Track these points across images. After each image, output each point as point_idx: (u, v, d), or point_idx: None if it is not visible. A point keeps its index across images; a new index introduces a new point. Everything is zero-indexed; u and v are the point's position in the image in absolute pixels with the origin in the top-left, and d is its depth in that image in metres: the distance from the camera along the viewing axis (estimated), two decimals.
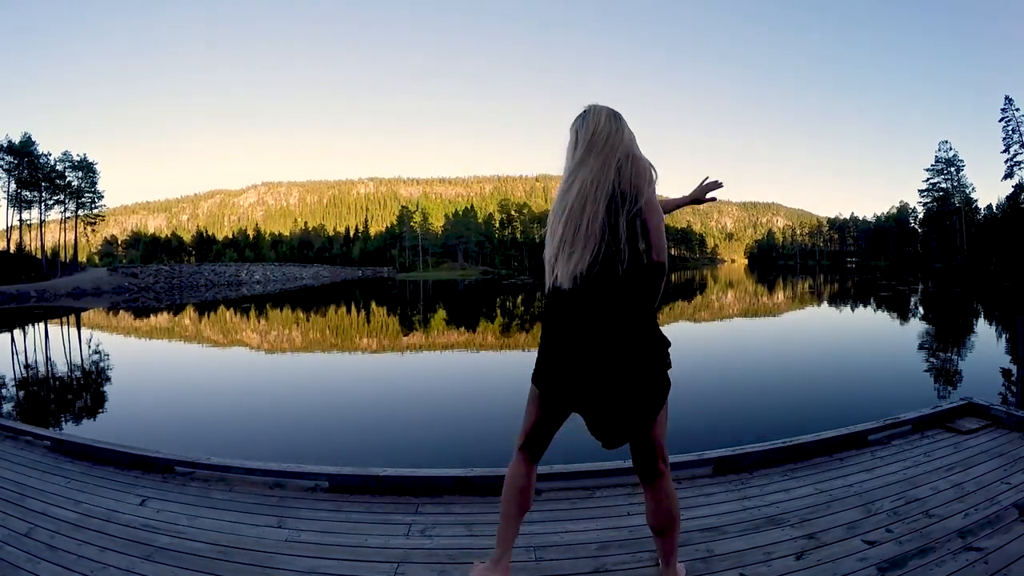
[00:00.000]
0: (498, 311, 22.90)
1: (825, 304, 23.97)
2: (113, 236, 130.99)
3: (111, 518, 2.25)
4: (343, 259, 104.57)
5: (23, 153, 46.50)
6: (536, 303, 24.99)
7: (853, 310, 20.70)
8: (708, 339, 13.18)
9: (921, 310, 19.71)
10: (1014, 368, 8.22)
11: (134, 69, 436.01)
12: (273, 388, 8.50)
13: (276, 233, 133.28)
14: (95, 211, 56.39)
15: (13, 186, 46.75)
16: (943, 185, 66.17)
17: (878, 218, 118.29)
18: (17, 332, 16.30)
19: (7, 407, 6.96)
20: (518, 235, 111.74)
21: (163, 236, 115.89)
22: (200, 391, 8.11)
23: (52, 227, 55.00)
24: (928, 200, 68.33)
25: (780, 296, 29.85)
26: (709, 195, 2.00)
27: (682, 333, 13.63)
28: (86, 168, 53.59)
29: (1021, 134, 50.25)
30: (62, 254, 54.11)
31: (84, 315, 22.43)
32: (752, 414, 6.07)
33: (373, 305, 27.83)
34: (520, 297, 30.94)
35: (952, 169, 65.14)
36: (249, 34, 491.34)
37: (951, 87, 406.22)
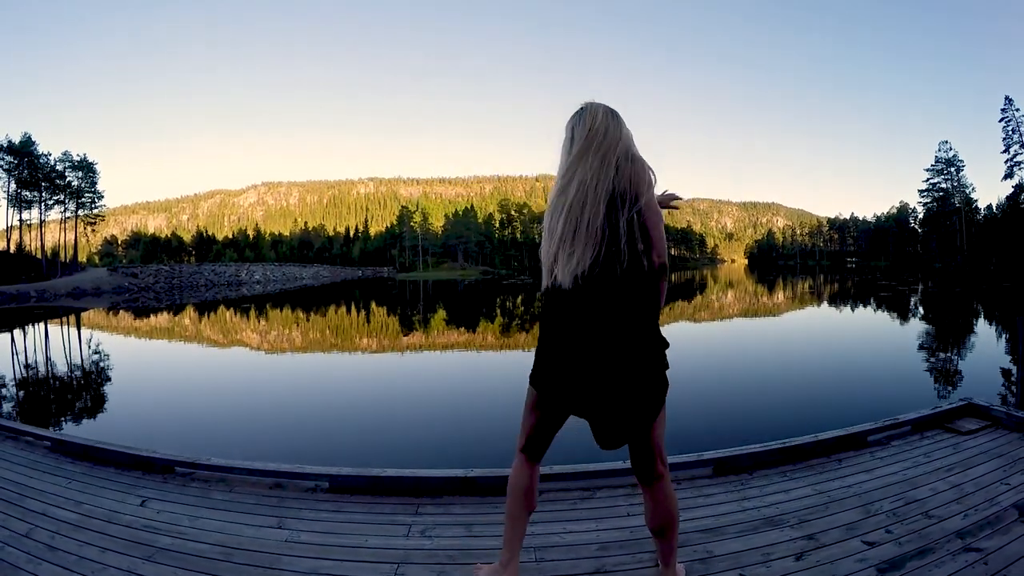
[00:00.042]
0: (498, 311, 22.91)
1: (825, 304, 23.96)
2: (113, 236, 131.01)
3: (112, 519, 2.25)
4: (343, 259, 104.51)
5: (23, 153, 46.51)
6: (536, 303, 24.98)
7: (853, 310, 20.69)
8: (708, 339, 13.18)
9: (921, 310, 19.70)
10: (1014, 368, 8.22)
11: (134, 69, 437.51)
12: (273, 388, 8.49)
13: (276, 233, 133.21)
14: (95, 211, 56.42)
15: (13, 186, 46.76)
16: (943, 185, 66.15)
17: (878, 218, 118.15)
18: (17, 332, 16.30)
19: (7, 407, 6.96)
20: (518, 235, 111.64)
21: (163, 236, 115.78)
22: (200, 391, 8.11)
23: (52, 227, 55.03)
24: (928, 200, 68.32)
25: (780, 296, 29.84)
26: (671, 203, 1.93)
27: (682, 333, 13.63)
28: (86, 168, 53.61)
29: (1021, 134, 50.20)
30: (62, 254, 54.12)
31: (84, 315, 22.43)
32: (752, 414, 6.07)
33: (373, 305, 27.83)
34: (520, 297, 30.93)
35: (952, 169, 65.12)
36: (249, 34, 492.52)
37: (951, 87, 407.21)
